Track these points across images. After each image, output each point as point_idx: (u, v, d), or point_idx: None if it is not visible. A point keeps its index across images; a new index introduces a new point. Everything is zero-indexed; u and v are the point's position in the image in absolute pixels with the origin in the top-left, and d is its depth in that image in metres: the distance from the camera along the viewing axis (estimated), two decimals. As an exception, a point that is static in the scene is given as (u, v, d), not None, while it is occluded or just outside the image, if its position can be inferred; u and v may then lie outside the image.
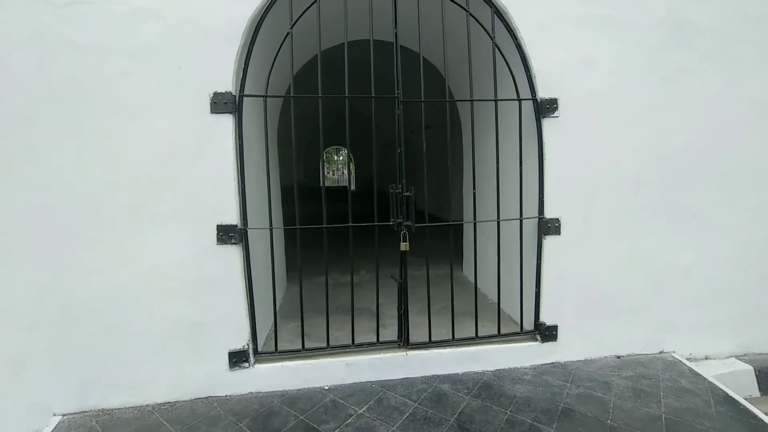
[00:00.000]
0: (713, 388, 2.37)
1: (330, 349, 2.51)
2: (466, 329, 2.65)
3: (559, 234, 2.59)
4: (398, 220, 2.45)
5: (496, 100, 2.48)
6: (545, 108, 2.50)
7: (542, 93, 2.50)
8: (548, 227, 2.56)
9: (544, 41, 2.48)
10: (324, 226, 2.40)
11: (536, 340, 2.65)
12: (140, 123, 2.17)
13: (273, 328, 2.57)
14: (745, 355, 2.91)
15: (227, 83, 2.22)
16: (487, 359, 2.58)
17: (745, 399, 2.32)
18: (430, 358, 2.53)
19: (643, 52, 2.58)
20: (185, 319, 2.27)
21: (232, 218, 2.27)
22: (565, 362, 2.66)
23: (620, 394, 2.29)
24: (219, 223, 2.25)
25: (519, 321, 2.72)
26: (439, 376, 2.51)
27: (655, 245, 2.71)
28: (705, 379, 2.47)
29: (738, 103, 2.69)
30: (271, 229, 2.36)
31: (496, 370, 2.58)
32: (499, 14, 2.46)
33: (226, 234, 2.25)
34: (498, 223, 2.56)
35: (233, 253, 2.28)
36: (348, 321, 2.66)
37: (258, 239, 2.51)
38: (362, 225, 2.47)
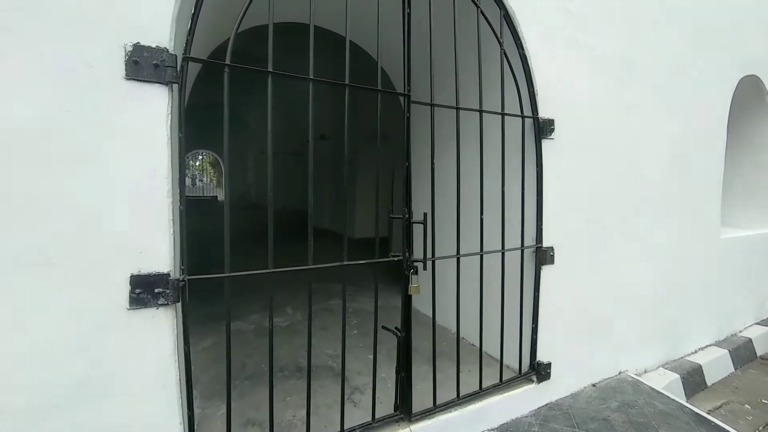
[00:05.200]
0: (681, 407, 2.51)
1: (308, 444, 1.73)
2: (450, 378, 2.22)
3: (554, 263, 2.42)
4: (405, 255, 1.87)
5: (503, 114, 2.17)
6: (546, 128, 2.31)
7: (541, 112, 2.31)
8: (545, 257, 2.37)
9: (543, 55, 2.31)
10: (301, 267, 1.64)
11: (532, 381, 2.40)
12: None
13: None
14: (666, 363, 3.28)
15: (161, 35, 1.31)
16: (492, 414, 2.19)
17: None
18: (436, 428, 2.00)
19: (611, 84, 2.66)
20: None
21: (162, 261, 1.33)
22: (557, 401, 2.48)
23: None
24: (135, 272, 1.29)
25: (500, 359, 2.42)
26: (445, 448, 2.00)
27: (619, 268, 2.81)
28: (669, 398, 2.61)
29: (662, 139, 3.04)
30: (227, 277, 1.47)
31: (500, 425, 2.21)
32: (508, 19, 2.18)
33: (148, 290, 1.30)
34: (503, 254, 2.23)
35: (162, 323, 1.33)
36: (302, 387, 1.94)
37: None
38: (356, 263, 1.80)
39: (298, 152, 11.75)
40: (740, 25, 3.62)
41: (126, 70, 1.26)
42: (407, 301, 1.89)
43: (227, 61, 1.41)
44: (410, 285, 1.85)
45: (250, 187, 17.20)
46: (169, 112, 1.33)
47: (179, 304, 1.38)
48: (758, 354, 3.86)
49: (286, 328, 3.19)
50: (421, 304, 3.43)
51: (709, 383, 3.28)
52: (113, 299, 1.27)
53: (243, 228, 9.19)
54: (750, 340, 3.85)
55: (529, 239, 2.38)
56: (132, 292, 1.28)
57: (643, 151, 2.87)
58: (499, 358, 2.34)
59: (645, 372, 3.09)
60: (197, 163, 31.58)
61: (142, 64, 1.27)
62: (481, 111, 2.09)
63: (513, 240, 2.28)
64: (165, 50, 1.31)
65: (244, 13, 1.45)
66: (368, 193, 8.12)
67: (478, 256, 2.16)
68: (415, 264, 1.87)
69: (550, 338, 2.44)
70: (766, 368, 3.63)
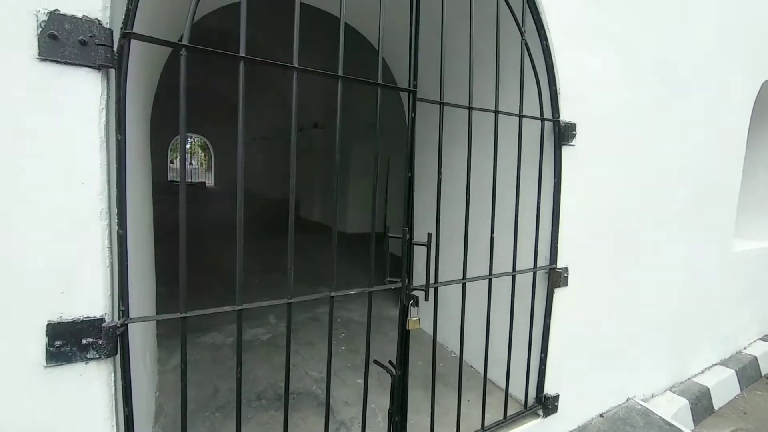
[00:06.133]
0: (697, 442, 2.31)
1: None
2: (449, 411, 1.97)
3: (567, 285, 2.16)
4: (404, 282, 1.58)
5: (521, 116, 1.87)
6: (567, 133, 2.02)
7: (563, 114, 2.02)
8: (559, 279, 2.11)
9: (568, 49, 2.00)
10: (280, 302, 1.34)
11: (538, 416, 2.16)
12: None
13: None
14: (674, 386, 3.09)
15: (91, 1, 0.98)
16: (495, 457, 1.95)
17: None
18: (433, 478, 1.75)
19: (637, 84, 2.38)
20: None
21: (93, 302, 1.02)
22: (564, 436, 2.26)
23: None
24: (55, 318, 0.98)
25: (505, 390, 2.17)
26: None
27: (634, 288, 2.58)
28: (680, 430, 2.41)
29: (687, 145, 2.78)
30: (182, 318, 1.16)
31: (504, 468, 1.98)
32: (532, 4, 1.86)
33: (73, 341, 0.99)
34: (513, 277, 1.95)
35: (92, 382, 1.03)
36: (279, 419, 1.69)
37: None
38: (345, 293, 1.50)
39: (287, 138, 11.31)
40: (764, 25, 3.35)
41: (39, 47, 0.92)
42: (405, 335, 1.61)
43: (184, 41, 1.07)
44: (409, 318, 1.56)
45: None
46: (103, 106, 1.00)
47: (118, 356, 1.07)
48: (763, 373, 3.71)
49: (268, 342, 2.90)
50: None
51: (716, 407, 3.11)
52: (24, 355, 0.96)
53: (232, 217, 8.82)
54: (755, 358, 3.69)
55: (542, 258, 2.11)
56: (50, 344, 0.97)
57: (668, 160, 2.61)
58: (503, 386, 2.08)
59: (652, 396, 2.89)
60: (187, 146, 30.79)
61: (63, 40, 0.94)
62: (497, 112, 1.78)
63: (524, 259, 2.01)
64: (96, 23, 0.97)
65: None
66: (362, 184, 7.79)
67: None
68: (415, 294, 1.58)
69: (559, 367, 2.20)
70: (772, 389, 3.48)
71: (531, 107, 1.95)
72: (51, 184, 0.96)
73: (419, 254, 1.67)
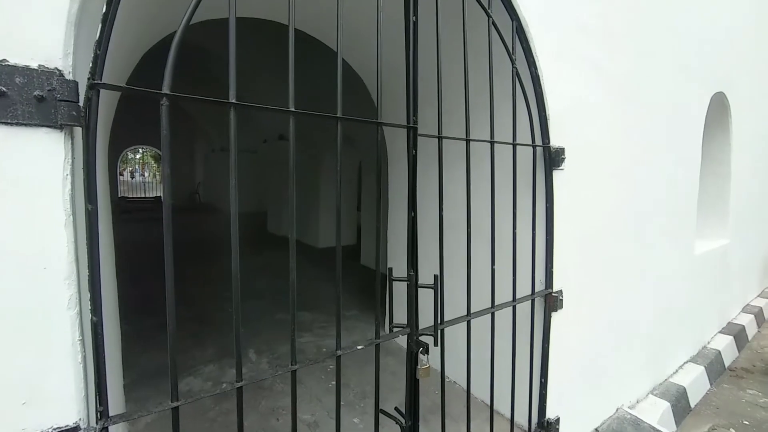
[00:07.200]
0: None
1: None
2: None
3: (562, 308, 2.16)
4: (412, 329, 1.48)
5: (514, 144, 1.84)
6: (557, 158, 2.02)
7: (552, 139, 2.02)
8: (556, 303, 2.10)
9: (555, 75, 2.01)
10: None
11: (541, 441, 2.14)
12: None
13: None
14: (654, 389, 3.21)
15: (49, 47, 0.81)
16: (504, 493, 1.90)
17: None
18: None
19: (618, 108, 2.44)
20: None
21: (63, 408, 0.84)
22: (565, 458, 2.25)
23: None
24: (14, 440, 0.79)
25: (510, 420, 2.14)
26: None
27: (619, 301, 2.64)
28: (670, 437, 2.49)
29: (661, 162, 2.91)
30: (174, 407, 1.00)
31: (512, 503, 1.92)
32: (521, 32, 1.84)
33: (40, 462, 0.80)
34: (514, 307, 1.91)
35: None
36: None
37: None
38: (352, 350, 1.38)
39: (251, 150, 10.88)
40: (713, 40, 3.60)
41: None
42: (414, 385, 1.51)
43: (164, 90, 0.92)
44: (420, 367, 1.47)
45: (199, 186, 15.87)
46: (68, 173, 0.83)
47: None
48: (726, 365, 3.96)
49: (251, 384, 2.69)
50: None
51: (692, 405, 3.26)
52: (-26, 490, 0.76)
53: (190, 235, 8.32)
54: (719, 352, 3.93)
55: (538, 283, 2.09)
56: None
57: (643, 179, 2.71)
58: (505, 414, 2.04)
59: (637, 402, 2.98)
60: (138, 156, 28.98)
61: (14, 97, 0.76)
62: (492, 142, 1.74)
63: (522, 286, 1.98)
64: (56, 73, 0.80)
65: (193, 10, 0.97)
66: (333, 196, 7.60)
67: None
68: (423, 340, 1.49)
69: (558, 390, 2.19)
70: (736, 381, 3.71)
71: (521, 134, 1.93)
72: (5, 270, 0.78)
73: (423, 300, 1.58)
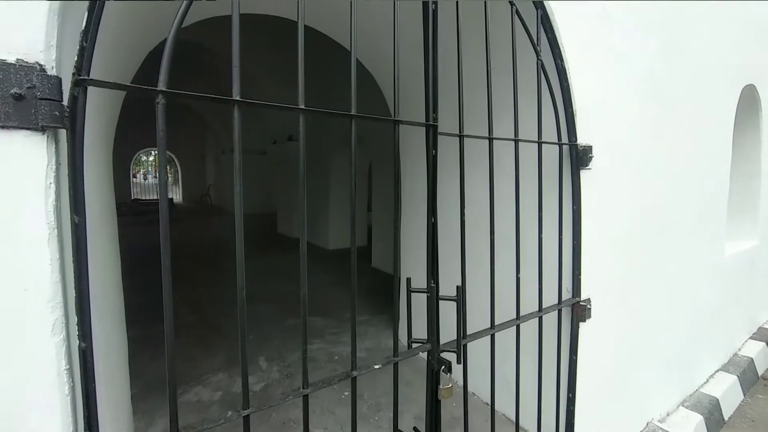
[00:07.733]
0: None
1: None
2: None
3: (590, 317, 2.02)
4: (433, 344, 1.36)
5: (540, 143, 1.70)
6: (584, 157, 1.88)
7: (579, 137, 1.88)
8: (584, 312, 1.96)
9: (582, 68, 1.87)
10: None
11: (568, 462, 2.00)
12: None
13: None
14: (685, 401, 3.03)
15: (29, 40, 0.71)
16: None
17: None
18: None
19: (645, 102, 2.28)
20: None
21: (47, 450, 0.74)
22: (594, 480, 2.11)
23: None
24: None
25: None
26: None
27: (649, 308, 2.47)
28: (708, 456, 2.32)
29: (689, 158, 2.74)
30: (174, 438, 0.90)
31: None
32: (546, 22, 1.70)
33: None
34: (540, 318, 1.78)
35: None
36: None
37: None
38: (369, 370, 1.27)
39: (260, 151, 10.87)
40: (742, 31, 3.39)
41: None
42: (436, 406, 1.39)
43: (160, 86, 0.82)
44: (442, 387, 1.35)
45: (210, 188, 15.96)
46: (51, 181, 0.73)
47: None
48: (759, 374, 3.74)
49: (261, 393, 2.60)
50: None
51: (726, 417, 3.07)
52: None
53: (202, 238, 8.31)
54: (752, 360, 3.71)
55: (565, 291, 1.95)
56: None
57: (677, 176, 2.54)
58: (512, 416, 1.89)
59: (668, 415, 2.81)
60: (150, 159, 29.36)
61: (-16, 96, 0.67)
62: (516, 140, 1.61)
63: (547, 294, 1.84)
64: (36, 68, 0.71)
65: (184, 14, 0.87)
66: (344, 196, 7.49)
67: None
68: (445, 357, 1.37)
69: (587, 405, 2.04)
70: (771, 391, 3.51)
71: (545, 132, 1.79)
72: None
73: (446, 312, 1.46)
